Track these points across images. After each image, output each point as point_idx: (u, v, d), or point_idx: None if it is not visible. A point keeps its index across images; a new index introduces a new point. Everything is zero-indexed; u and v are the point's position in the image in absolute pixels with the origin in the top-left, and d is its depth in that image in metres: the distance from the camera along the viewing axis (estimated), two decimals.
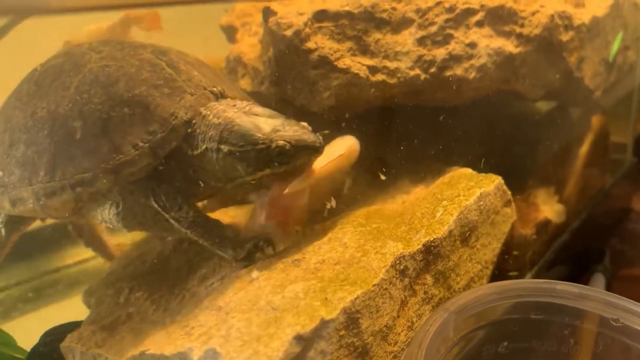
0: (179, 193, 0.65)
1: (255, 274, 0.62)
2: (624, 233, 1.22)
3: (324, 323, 0.54)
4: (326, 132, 0.66)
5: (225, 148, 0.62)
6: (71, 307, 0.86)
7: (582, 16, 0.91)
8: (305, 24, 0.75)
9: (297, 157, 0.62)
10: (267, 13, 0.77)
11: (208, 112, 0.64)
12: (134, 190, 0.65)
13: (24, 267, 0.93)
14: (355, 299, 0.57)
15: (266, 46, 0.82)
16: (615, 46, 1.07)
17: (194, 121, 0.64)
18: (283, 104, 0.82)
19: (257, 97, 0.86)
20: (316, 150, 0.63)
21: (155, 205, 0.64)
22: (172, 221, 0.64)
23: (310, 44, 0.76)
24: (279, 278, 0.61)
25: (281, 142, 0.61)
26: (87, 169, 0.62)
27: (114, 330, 0.64)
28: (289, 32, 0.75)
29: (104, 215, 0.66)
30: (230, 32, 0.95)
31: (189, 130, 0.64)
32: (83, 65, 0.65)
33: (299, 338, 0.52)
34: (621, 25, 1.08)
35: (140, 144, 0.61)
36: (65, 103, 0.63)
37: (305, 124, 0.65)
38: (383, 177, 0.78)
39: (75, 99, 0.62)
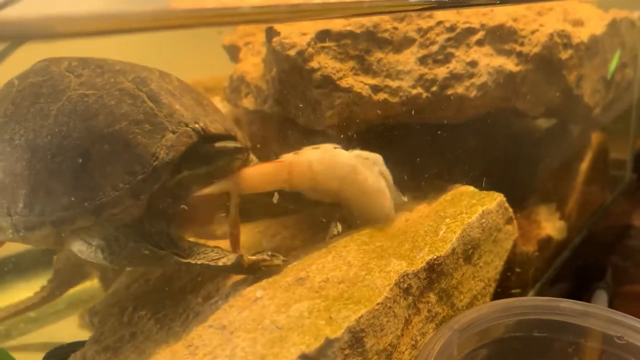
0: (169, 228, 0.64)
1: (259, 292, 0.62)
2: (624, 250, 1.22)
3: (328, 342, 0.54)
4: None
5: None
6: (73, 326, 0.86)
7: (581, 35, 0.92)
8: (309, 44, 0.76)
9: (218, 157, 0.65)
10: (271, 33, 0.78)
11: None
12: (118, 237, 0.63)
13: (24, 286, 0.93)
14: (360, 317, 0.57)
15: (269, 65, 0.82)
16: (613, 64, 1.08)
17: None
18: (286, 122, 0.83)
19: (260, 116, 0.87)
20: (237, 152, 0.66)
21: (149, 247, 0.63)
22: (171, 255, 0.63)
23: (314, 64, 0.77)
24: (283, 297, 0.61)
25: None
26: (66, 207, 0.60)
27: (118, 350, 0.64)
28: (292, 52, 0.76)
29: (91, 257, 0.65)
30: (233, 52, 0.96)
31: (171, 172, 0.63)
32: (62, 92, 0.63)
33: (304, 357, 0.52)
34: (619, 43, 1.09)
35: (121, 185, 0.60)
36: (44, 134, 0.61)
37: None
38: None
39: (54, 131, 0.61)
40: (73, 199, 0.60)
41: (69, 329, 0.86)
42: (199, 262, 0.64)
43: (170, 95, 0.66)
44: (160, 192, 0.63)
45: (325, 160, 0.71)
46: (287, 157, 0.70)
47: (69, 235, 0.64)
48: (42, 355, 0.73)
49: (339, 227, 0.72)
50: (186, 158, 0.63)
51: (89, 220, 0.61)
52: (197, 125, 0.65)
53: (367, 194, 0.74)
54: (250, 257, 0.64)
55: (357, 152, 0.74)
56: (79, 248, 0.64)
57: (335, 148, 0.72)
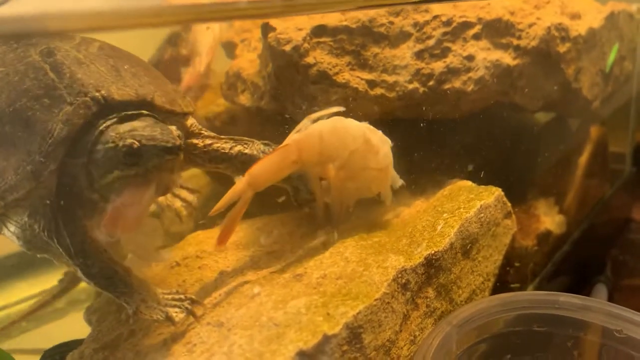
0: (81, 233, 0.59)
1: (257, 289, 0.62)
2: (624, 243, 1.22)
3: (326, 338, 0.54)
4: None
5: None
6: (72, 324, 0.86)
7: (579, 28, 0.92)
8: (304, 39, 0.76)
9: (146, 157, 0.56)
10: (266, 29, 0.78)
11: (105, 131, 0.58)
12: (33, 225, 0.60)
13: (23, 285, 0.93)
14: (358, 313, 0.56)
15: (265, 61, 0.82)
16: (611, 57, 1.08)
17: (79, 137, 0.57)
18: (282, 118, 0.82)
19: (257, 112, 0.87)
20: (167, 151, 0.56)
21: (58, 246, 0.59)
22: (76, 268, 0.59)
23: (309, 59, 0.76)
24: (280, 293, 0.61)
25: (129, 141, 0.55)
26: None
27: (116, 348, 0.64)
28: (288, 48, 0.76)
29: (15, 243, 0.63)
30: (229, 48, 0.96)
31: (73, 148, 0.57)
32: None
33: (301, 354, 0.52)
34: (617, 36, 1.09)
35: (21, 168, 0.56)
36: None
37: (174, 127, 0.60)
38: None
39: None
40: None
41: (67, 328, 0.86)
42: (98, 288, 0.60)
43: (76, 64, 0.60)
44: (74, 180, 0.59)
45: (337, 131, 0.68)
46: (291, 137, 0.67)
47: None
48: (40, 353, 0.73)
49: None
50: (115, 157, 0.56)
51: None
52: (97, 94, 0.58)
53: (373, 169, 0.71)
54: (148, 308, 0.60)
55: (368, 125, 0.70)
56: (6, 234, 0.63)
57: (346, 117, 0.69)
